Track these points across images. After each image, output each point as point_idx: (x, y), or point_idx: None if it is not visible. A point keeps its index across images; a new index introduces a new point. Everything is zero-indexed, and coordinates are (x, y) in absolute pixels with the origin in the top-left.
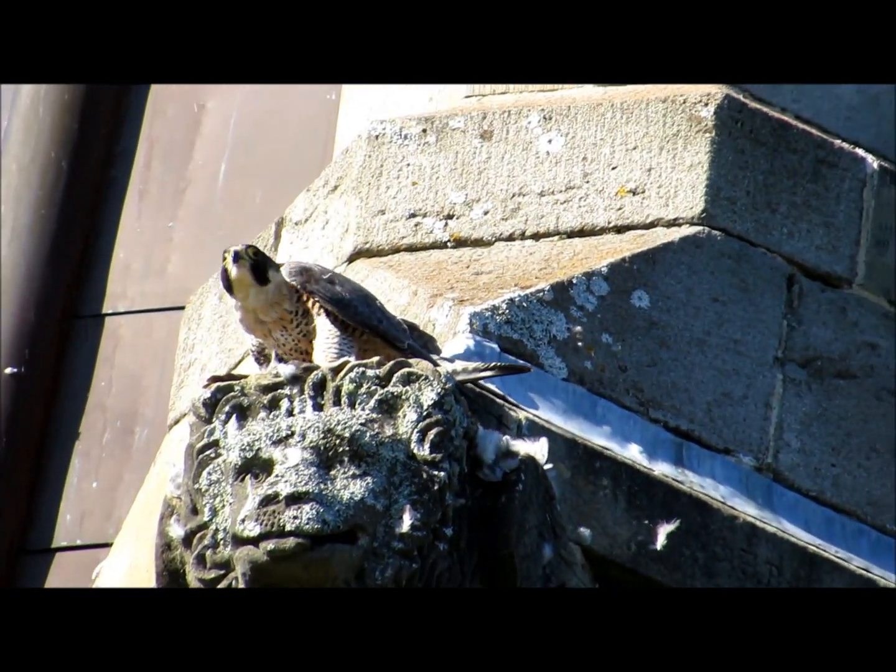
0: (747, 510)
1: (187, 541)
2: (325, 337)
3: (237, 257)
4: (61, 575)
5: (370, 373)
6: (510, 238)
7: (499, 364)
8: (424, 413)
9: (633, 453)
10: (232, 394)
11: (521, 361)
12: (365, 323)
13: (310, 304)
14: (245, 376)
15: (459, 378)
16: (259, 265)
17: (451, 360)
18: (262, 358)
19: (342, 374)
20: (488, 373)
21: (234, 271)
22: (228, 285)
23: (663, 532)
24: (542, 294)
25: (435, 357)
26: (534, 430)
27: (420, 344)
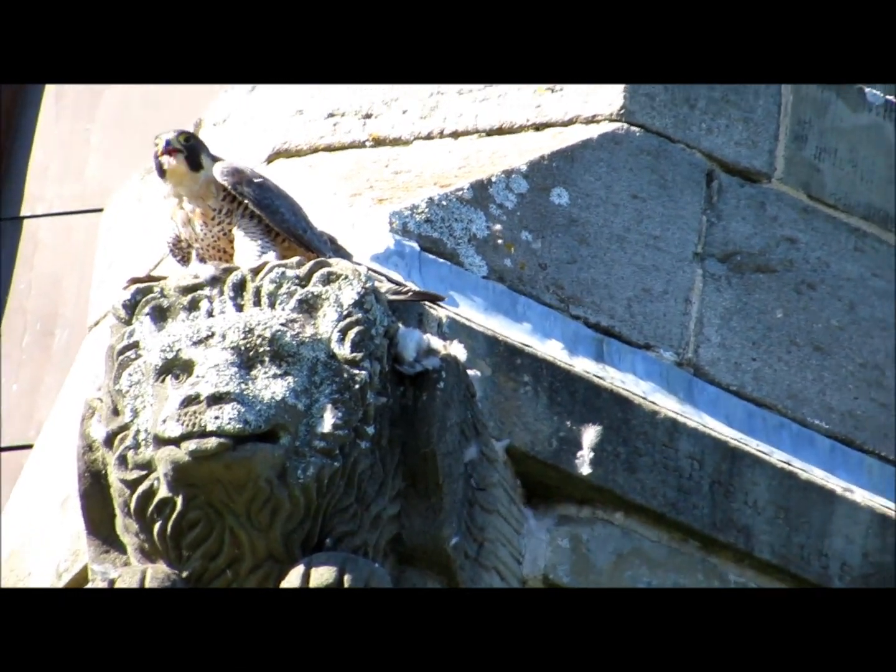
0: (668, 405)
1: (109, 442)
2: (248, 240)
3: (168, 147)
4: None
5: (290, 273)
6: (429, 137)
7: (413, 290)
8: (344, 312)
9: (553, 350)
10: (151, 295)
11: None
12: (290, 231)
13: (235, 205)
14: (164, 278)
15: None
16: (192, 150)
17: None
18: (176, 250)
19: (262, 274)
20: (401, 297)
21: (166, 162)
22: (162, 173)
23: (588, 441)
24: (461, 192)
25: None
26: (454, 328)
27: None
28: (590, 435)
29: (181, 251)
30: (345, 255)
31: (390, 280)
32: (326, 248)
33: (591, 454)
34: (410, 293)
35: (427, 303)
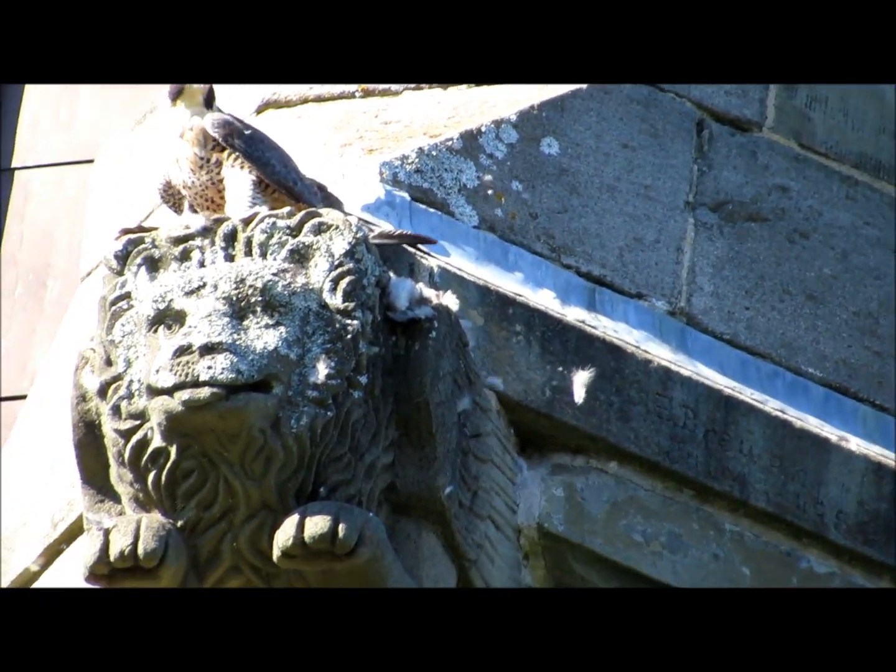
0: (661, 354)
1: (102, 392)
2: (239, 191)
3: None
4: None
5: (281, 223)
6: (418, 87)
7: (403, 233)
8: (336, 262)
9: (545, 299)
10: (143, 246)
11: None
12: (281, 182)
13: (224, 155)
14: (155, 228)
15: None
16: (212, 93)
17: None
18: (167, 196)
19: (253, 224)
20: (390, 241)
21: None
22: (180, 88)
23: (579, 383)
24: (451, 143)
25: None
26: (446, 277)
27: (328, 206)
28: (582, 376)
29: (172, 197)
30: (336, 203)
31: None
32: (317, 199)
33: (584, 392)
34: (400, 236)
35: (417, 249)
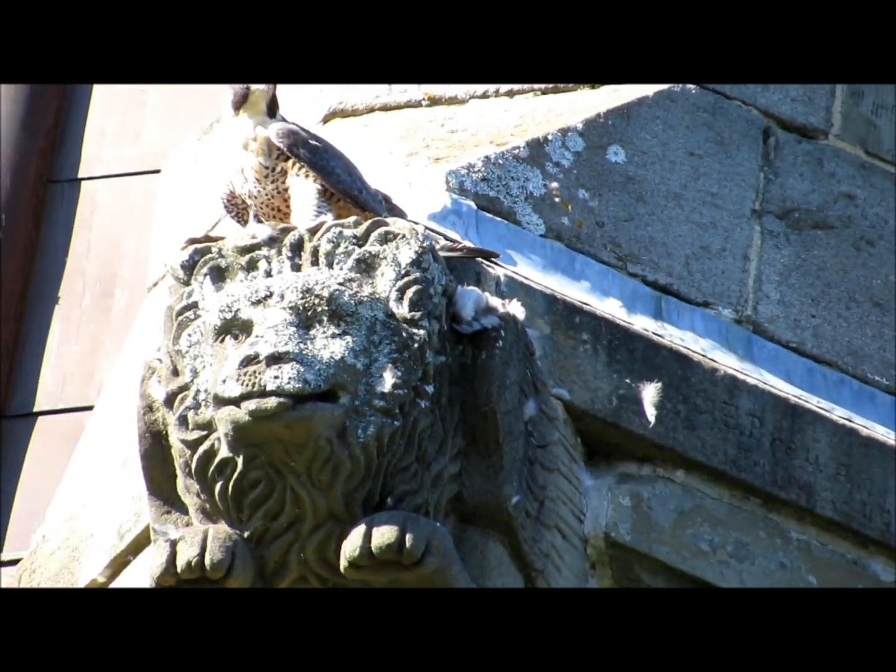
0: (728, 362)
1: (169, 402)
2: (304, 200)
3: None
4: (43, 439)
5: (347, 232)
6: (484, 96)
7: (467, 246)
8: (402, 271)
9: (612, 308)
10: (210, 255)
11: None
12: (346, 192)
13: (289, 164)
14: (222, 238)
15: None
16: (274, 98)
17: None
18: (230, 206)
19: (319, 234)
20: (455, 254)
21: (260, 86)
22: (243, 97)
23: (648, 401)
24: (517, 151)
25: None
26: (512, 286)
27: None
28: (650, 392)
29: (235, 207)
30: (400, 214)
31: (446, 239)
32: (381, 208)
33: (655, 411)
34: (464, 250)
35: (482, 260)
